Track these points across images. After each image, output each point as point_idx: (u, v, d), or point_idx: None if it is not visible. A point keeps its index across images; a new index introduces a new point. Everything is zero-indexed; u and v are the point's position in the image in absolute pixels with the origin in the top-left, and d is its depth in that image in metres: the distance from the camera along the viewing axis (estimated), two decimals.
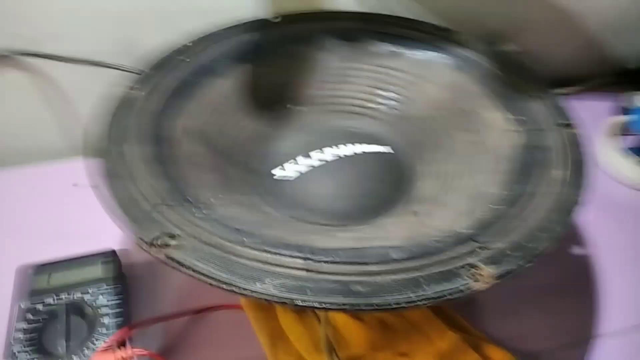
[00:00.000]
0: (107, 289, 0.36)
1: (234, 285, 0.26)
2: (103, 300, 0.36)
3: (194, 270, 0.26)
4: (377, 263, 0.28)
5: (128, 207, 0.29)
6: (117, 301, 0.36)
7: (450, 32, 0.49)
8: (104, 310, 0.35)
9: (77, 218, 0.46)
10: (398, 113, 0.46)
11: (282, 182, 0.39)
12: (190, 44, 0.44)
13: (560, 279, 0.43)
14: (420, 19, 0.51)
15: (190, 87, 0.41)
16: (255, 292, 0.25)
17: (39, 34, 0.47)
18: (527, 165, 0.36)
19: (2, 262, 0.41)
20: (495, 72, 0.44)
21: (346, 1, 0.54)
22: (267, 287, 0.26)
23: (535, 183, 0.34)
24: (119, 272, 0.39)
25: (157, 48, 0.51)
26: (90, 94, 0.51)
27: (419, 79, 0.46)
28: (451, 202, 0.36)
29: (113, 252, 0.39)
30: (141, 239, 0.28)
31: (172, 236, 0.28)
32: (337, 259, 0.28)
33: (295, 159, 0.40)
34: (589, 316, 0.41)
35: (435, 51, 0.47)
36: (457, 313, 0.39)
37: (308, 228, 0.35)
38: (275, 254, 0.28)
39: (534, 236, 0.30)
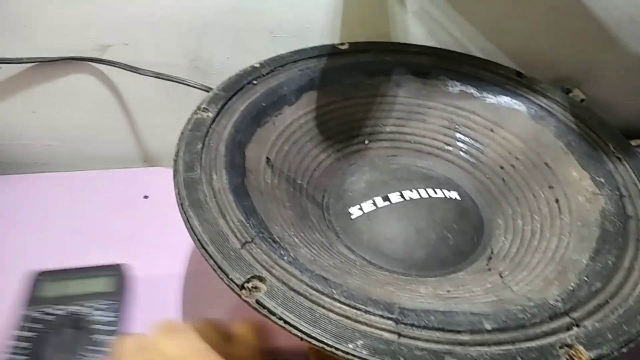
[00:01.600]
0: (106, 304, 0.36)
1: (325, 343, 0.25)
2: (102, 315, 0.36)
3: (284, 321, 0.26)
4: (469, 332, 0.27)
5: (219, 244, 0.29)
6: (114, 317, 0.36)
7: (524, 77, 0.47)
8: (101, 326, 0.35)
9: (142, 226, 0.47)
10: (473, 158, 0.45)
11: (358, 222, 0.39)
12: (258, 66, 0.44)
13: None
14: (490, 58, 0.50)
15: (261, 113, 0.40)
16: (346, 352, 0.25)
17: (106, 40, 0.48)
18: (619, 236, 0.34)
19: (65, 261, 0.42)
20: (575, 126, 0.43)
21: (416, 33, 0.53)
22: (359, 350, 0.25)
23: (630, 257, 0.33)
24: (122, 287, 0.39)
25: (222, 64, 0.51)
26: (151, 104, 0.52)
27: (494, 125, 0.45)
28: (535, 264, 0.35)
29: (118, 267, 0.39)
30: (232, 281, 0.27)
31: (262, 280, 0.28)
32: (429, 324, 0.27)
33: (374, 200, 0.39)
34: None
35: (510, 96, 0.46)
36: None
37: (387, 278, 0.34)
38: (365, 312, 0.27)
39: (633, 318, 0.29)
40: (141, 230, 0.47)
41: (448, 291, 0.32)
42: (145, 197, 0.50)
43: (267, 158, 0.39)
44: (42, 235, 0.46)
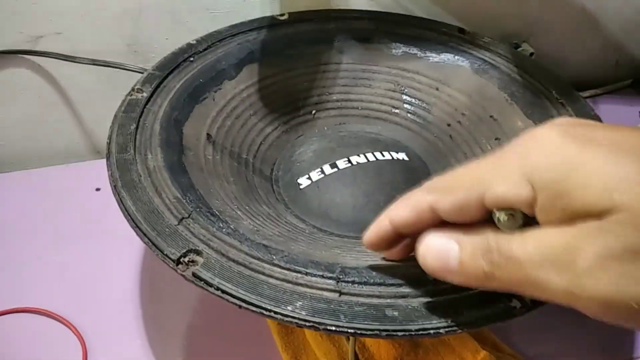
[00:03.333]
0: None
1: (263, 308, 0.25)
2: None
3: (221, 291, 0.25)
4: (411, 285, 0.26)
5: (153, 221, 0.28)
6: None
7: (466, 34, 0.47)
8: None
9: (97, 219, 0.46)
10: (420, 118, 0.45)
11: (307, 191, 0.38)
12: (195, 43, 0.43)
13: None
14: (435, 19, 0.49)
15: (199, 89, 0.40)
16: (285, 315, 0.24)
17: (38, 31, 0.46)
18: None
19: (22, 261, 0.41)
20: (518, 77, 0.43)
21: None
22: (298, 311, 0.24)
23: None
24: None
25: (162, 47, 0.49)
26: (94, 94, 0.51)
27: (438, 82, 0.45)
28: None
29: None
30: (167, 256, 0.27)
31: (199, 253, 0.27)
32: (370, 280, 0.26)
33: (322, 168, 0.39)
34: (629, 334, 0.39)
35: (453, 53, 0.45)
36: (489, 330, 0.38)
37: (335, 242, 0.34)
38: (305, 273, 0.26)
39: None
40: (94, 223, 0.46)
41: None
42: (97, 189, 0.49)
43: (208, 134, 0.38)
44: None
